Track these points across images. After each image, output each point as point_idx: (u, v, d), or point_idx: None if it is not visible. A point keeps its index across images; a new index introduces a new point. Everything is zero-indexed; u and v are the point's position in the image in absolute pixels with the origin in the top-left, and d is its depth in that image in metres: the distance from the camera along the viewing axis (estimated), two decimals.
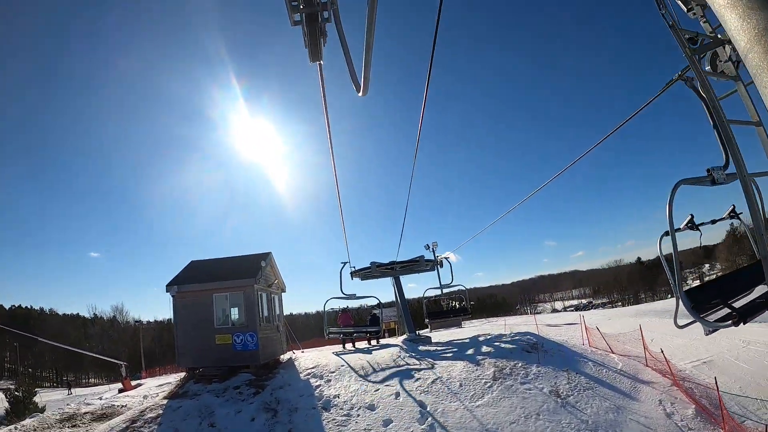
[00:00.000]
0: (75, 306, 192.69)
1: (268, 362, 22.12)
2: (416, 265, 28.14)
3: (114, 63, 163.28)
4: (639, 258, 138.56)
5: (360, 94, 4.97)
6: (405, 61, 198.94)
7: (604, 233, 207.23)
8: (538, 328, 30.46)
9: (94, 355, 42.58)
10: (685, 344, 21.16)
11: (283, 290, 26.24)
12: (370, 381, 17.89)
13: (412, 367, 18.86)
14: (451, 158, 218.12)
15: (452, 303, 38.57)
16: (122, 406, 19.30)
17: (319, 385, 18.07)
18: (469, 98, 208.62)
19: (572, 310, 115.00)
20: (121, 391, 23.24)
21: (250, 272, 21.83)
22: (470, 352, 20.06)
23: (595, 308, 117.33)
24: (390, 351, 21.50)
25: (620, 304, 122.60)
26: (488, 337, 23.55)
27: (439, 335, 29.23)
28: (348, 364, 19.87)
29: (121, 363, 31.71)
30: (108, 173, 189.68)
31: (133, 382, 24.90)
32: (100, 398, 21.45)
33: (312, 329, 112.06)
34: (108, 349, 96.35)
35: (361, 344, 26.89)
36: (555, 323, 38.27)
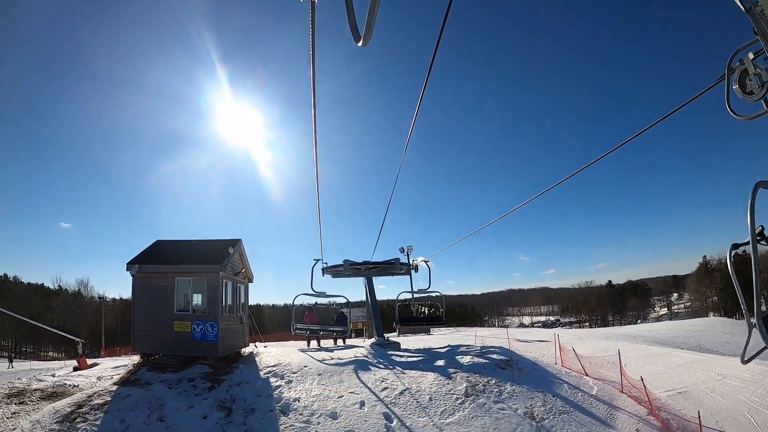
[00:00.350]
0: (41, 275, 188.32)
1: (228, 355, 20.89)
2: (390, 268, 27.18)
3: (87, 39, 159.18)
4: (610, 281, 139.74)
5: (360, 43, 3.95)
6: (400, 60, 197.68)
7: (577, 253, 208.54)
8: (510, 343, 29.61)
9: (50, 329, 40.28)
10: (659, 372, 20.41)
11: (251, 280, 24.91)
12: (333, 386, 16.65)
13: (379, 374, 17.69)
14: (437, 164, 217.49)
15: (423, 309, 37.64)
16: (74, 386, 17.81)
17: (279, 386, 16.79)
18: (458, 107, 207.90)
19: (539, 326, 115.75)
20: (75, 369, 21.65)
21: (217, 258, 20.51)
22: (441, 363, 19.01)
23: (562, 326, 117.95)
24: (357, 354, 20.44)
25: (588, 324, 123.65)
26: (459, 348, 22.55)
27: (408, 341, 28.31)
28: (311, 364, 18.68)
29: (78, 340, 29.65)
30: (88, 145, 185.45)
31: (90, 361, 23.28)
32: (53, 375, 19.87)
33: (279, 323, 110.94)
34: (70, 323, 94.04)
35: (327, 343, 25.78)
36: (525, 339, 37.34)
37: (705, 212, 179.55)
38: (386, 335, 26.18)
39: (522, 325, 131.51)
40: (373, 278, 27.48)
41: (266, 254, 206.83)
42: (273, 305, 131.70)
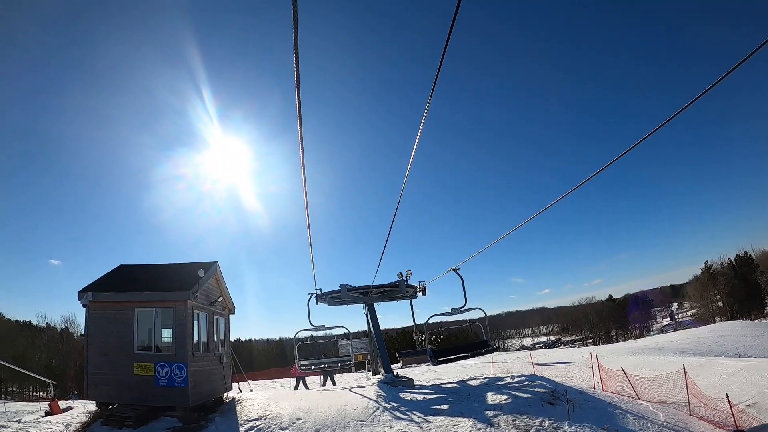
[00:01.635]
0: (27, 313, 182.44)
1: (205, 403, 16.73)
2: (394, 291, 23.09)
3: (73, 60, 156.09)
4: (610, 295, 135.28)
5: None
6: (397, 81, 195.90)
7: (571, 271, 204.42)
8: (534, 369, 25.59)
9: (19, 369, 36.54)
10: (712, 384, 17.05)
11: (231, 312, 20.67)
12: None
13: (396, 427, 13.41)
14: (433, 189, 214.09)
15: (423, 338, 33.47)
16: None
17: None
18: (453, 130, 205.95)
19: (541, 347, 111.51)
20: (47, 413, 18.41)
21: (185, 284, 16.36)
22: (469, 404, 14.92)
23: (564, 345, 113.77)
24: (363, 400, 15.92)
25: (591, 342, 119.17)
26: (486, 380, 18.42)
27: (415, 374, 24.10)
28: (307, 416, 14.40)
29: (50, 382, 27.63)
30: (78, 181, 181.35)
31: (65, 404, 19.53)
32: (19, 421, 16.45)
33: (271, 357, 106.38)
34: (56, 361, 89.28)
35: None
36: (545, 362, 33.18)
37: (697, 220, 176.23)
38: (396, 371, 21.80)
39: (523, 347, 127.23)
40: (375, 305, 23.37)
41: (256, 287, 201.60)
42: (267, 339, 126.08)
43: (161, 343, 16.05)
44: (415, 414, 14.14)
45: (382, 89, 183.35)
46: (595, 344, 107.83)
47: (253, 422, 14.09)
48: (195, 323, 16.46)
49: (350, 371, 44.81)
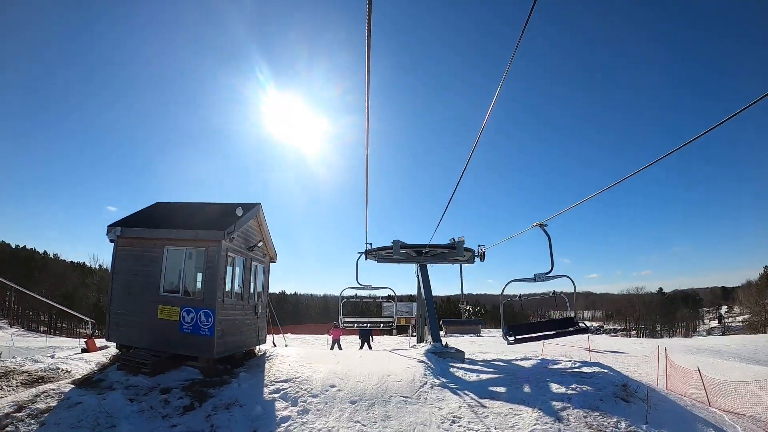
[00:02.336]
0: (82, 255, 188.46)
1: (234, 355, 15.08)
2: (450, 254, 20.77)
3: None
4: (661, 288, 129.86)
5: None
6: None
7: (621, 259, 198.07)
8: (591, 356, 23.17)
9: (60, 306, 36.00)
10: None
11: (273, 260, 18.79)
12: (374, 428, 10.31)
13: (445, 407, 11.22)
14: (492, 153, 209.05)
15: (468, 307, 31.11)
16: (66, 371, 13.30)
17: (288, 419, 10.53)
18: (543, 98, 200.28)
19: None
20: (83, 350, 18.08)
21: (220, 223, 14.52)
22: (530, 389, 12.50)
23: (606, 333, 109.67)
24: (408, 370, 13.64)
25: (635, 333, 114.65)
26: (543, 362, 16.14)
27: (460, 346, 21.95)
28: (342, 383, 12.33)
29: (88, 320, 26.99)
30: (141, 144, 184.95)
31: (101, 343, 18.47)
32: (53, 356, 15.47)
33: (315, 312, 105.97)
34: (103, 300, 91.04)
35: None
36: (597, 348, 30.57)
37: (760, 222, 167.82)
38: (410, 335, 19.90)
39: None
40: (428, 268, 21.17)
41: (309, 243, 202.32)
42: (312, 294, 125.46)
43: (190, 286, 14.31)
44: (467, 395, 11.92)
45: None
46: (639, 336, 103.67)
47: (281, 384, 12.12)
48: (229, 268, 14.68)
49: (392, 334, 43.09)
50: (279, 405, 10.97)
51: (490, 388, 12.52)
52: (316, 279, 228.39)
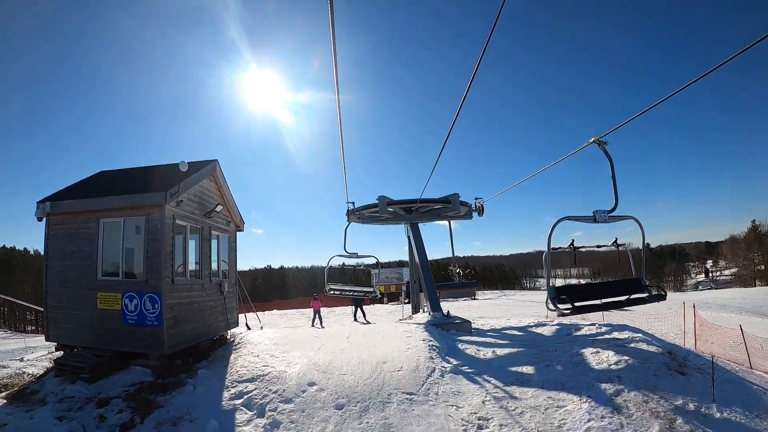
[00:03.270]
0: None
1: (197, 345, 12.26)
2: (444, 208, 18.02)
3: None
4: (648, 244, 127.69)
5: None
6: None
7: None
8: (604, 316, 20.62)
9: (28, 305, 32.91)
10: None
11: (239, 228, 15.78)
12: None
13: (466, 404, 8.39)
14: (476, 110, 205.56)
15: (458, 270, 28.61)
16: (31, 374, 11.17)
17: None
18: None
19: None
20: (58, 349, 14.46)
21: (162, 183, 11.52)
22: (564, 367, 9.83)
23: None
24: (409, 353, 10.71)
25: None
26: (560, 327, 13.76)
27: (458, 312, 19.42)
28: (324, 380, 9.42)
29: None
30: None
31: None
32: (21, 359, 13.17)
33: (302, 286, 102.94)
34: None
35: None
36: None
37: (744, 177, 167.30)
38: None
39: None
40: (419, 226, 18.43)
41: (292, 216, 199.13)
42: (298, 267, 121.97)
43: (133, 266, 11.31)
44: (489, 381, 9.13)
45: None
46: None
47: (246, 384, 9.20)
48: (179, 239, 11.73)
49: (383, 302, 40.40)
50: (240, 416, 8.07)
51: (515, 369, 9.78)
52: (302, 251, 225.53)
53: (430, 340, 11.53)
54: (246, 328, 16.13)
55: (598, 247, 11.02)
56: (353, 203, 18.18)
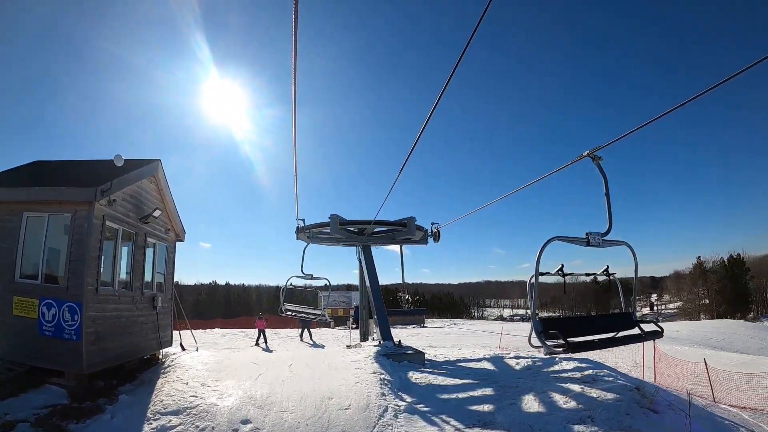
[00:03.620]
0: None
1: (122, 365, 10.84)
2: (399, 232, 17.28)
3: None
4: (595, 277, 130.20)
5: None
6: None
7: (550, 249, 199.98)
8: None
9: None
10: None
11: (180, 238, 14.48)
12: None
13: None
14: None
15: (407, 297, 27.86)
16: None
17: None
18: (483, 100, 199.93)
19: (519, 320, 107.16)
20: None
21: (94, 179, 10.25)
22: (531, 405, 9.00)
23: None
24: (357, 387, 9.59)
25: None
26: (515, 361, 13.10)
27: (406, 339, 18.58)
28: (260, 415, 8.23)
29: None
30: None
31: None
32: None
33: (245, 304, 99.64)
34: None
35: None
36: None
37: (689, 217, 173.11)
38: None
39: (502, 318, 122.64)
40: (371, 249, 17.52)
41: (242, 232, 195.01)
42: (245, 285, 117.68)
43: (56, 269, 9.91)
44: (447, 422, 8.11)
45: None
46: None
47: (169, 418, 7.85)
48: (109, 243, 10.44)
49: (330, 326, 38.85)
50: None
51: (476, 408, 8.84)
52: (251, 269, 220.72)
53: (382, 373, 10.45)
54: (180, 348, 14.70)
55: (587, 275, 10.08)
56: (303, 220, 17.10)
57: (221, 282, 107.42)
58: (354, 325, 31.50)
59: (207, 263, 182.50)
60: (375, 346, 14.53)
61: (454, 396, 9.55)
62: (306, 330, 26.35)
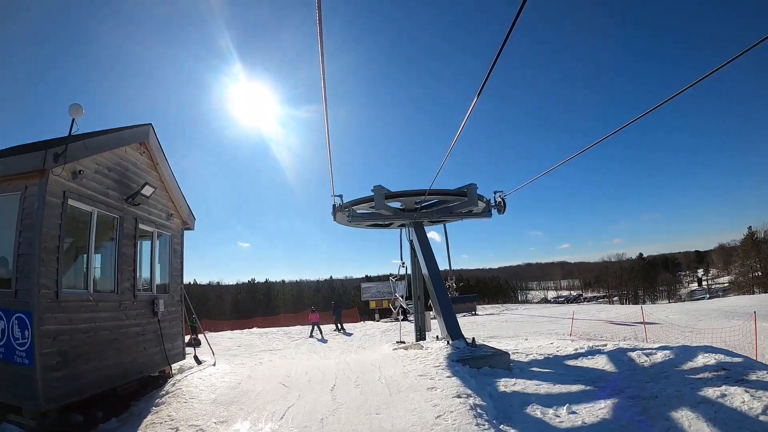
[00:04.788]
0: None
1: (114, 389, 8.22)
2: (458, 204, 14.29)
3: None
4: (641, 254, 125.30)
5: None
6: None
7: (591, 229, 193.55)
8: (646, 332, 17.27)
9: None
10: None
11: (188, 225, 11.58)
12: None
13: None
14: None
15: (451, 283, 24.89)
16: None
17: None
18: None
19: (563, 302, 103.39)
20: None
21: (47, 143, 7.50)
22: (699, 429, 5.65)
23: (587, 302, 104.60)
24: (440, 410, 6.40)
25: (617, 300, 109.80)
26: (618, 351, 10.39)
27: (463, 329, 15.60)
28: None
29: None
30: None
31: None
32: None
33: (287, 300, 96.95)
34: None
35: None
36: (611, 318, 25.38)
37: (733, 187, 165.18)
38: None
39: (545, 300, 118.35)
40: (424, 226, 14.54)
41: (279, 229, 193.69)
42: (284, 281, 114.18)
43: (3, 267, 7.03)
44: None
45: None
46: (622, 303, 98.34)
47: None
48: (80, 231, 7.50)
49: (374, 319, 35.83)
50: None
51: None
52: (290, 265, 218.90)
53: (468, 394, 7.11)
54: (195, 360, 11.74)
55: None
56: (341, 197, 13.99)
57: (260, 279, 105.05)
58: (400, 316, 28.56)
59: (246, 263, 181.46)
60: (442, 346, 11.38)
61: (579, 422, 6.29)
62: (338, 322, 26.05)
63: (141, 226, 9.36)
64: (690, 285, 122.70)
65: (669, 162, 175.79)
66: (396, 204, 14.10)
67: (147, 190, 9.04)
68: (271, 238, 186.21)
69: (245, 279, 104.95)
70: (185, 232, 11.42)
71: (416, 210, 14.02)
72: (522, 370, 9.52)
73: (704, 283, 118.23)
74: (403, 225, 15.78)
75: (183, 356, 10.83)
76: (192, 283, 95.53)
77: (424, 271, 13.40)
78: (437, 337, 13.81)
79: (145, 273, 9.61)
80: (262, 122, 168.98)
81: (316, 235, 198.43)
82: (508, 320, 30.26)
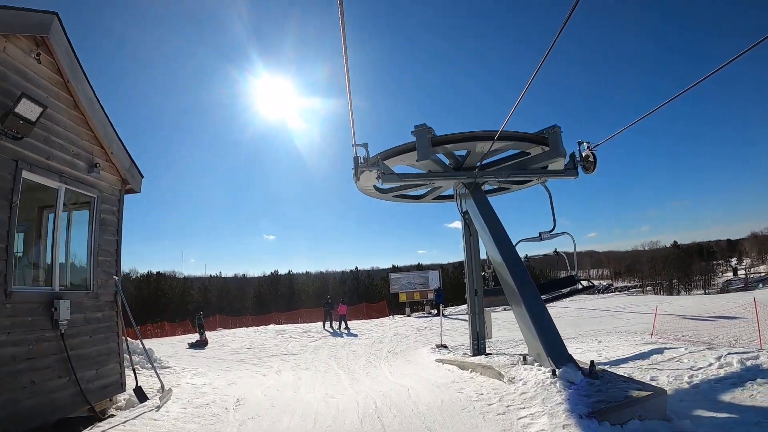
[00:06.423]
0: None
1: None
2: (533, 158, 10.45)
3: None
4: (676, 242, 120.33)
5: None
6: None
7: (618, 217, 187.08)
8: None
9: None
10: None
11: (126, 181, 7.47)
12: None
13: None
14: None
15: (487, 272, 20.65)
16: None
17: None
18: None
19: (594, 292, 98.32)
20: None
21: None
22: None
23: (619, 291, 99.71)
24: None
25: (651, 290, 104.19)
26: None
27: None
28: None
29: None
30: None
31: None
32: None
33: (310, 292, 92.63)
34: None
35: None
36: (688, 313, 20.29)
37: (753, 173, 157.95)
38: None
39: (583, 288, 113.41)
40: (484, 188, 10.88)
41: (303, 221, 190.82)
42: (307, 273, 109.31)
43: None
44: None
45: None
46: (656, 293, 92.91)
47: None
48: None
49: (406, 314, 31.54)
50: None
51: None
52: (314, 257, 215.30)
53: None
54: (135, 395, 7.38)
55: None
56: (366, 147, 9.54)
57: (283, 271, 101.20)
58: (433, 311, 24.85)
59: (272, 255, 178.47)
60: (540, 378, 6.77)
61: None
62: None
63: (30, 175, 5.34)
64: (724, 274, 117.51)
65: (696, 149, 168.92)
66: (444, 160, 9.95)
67: (27, 109, 5.01)
68: (295, 230, 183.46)
69: (269, 271, 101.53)
70: (127, 196, 7.33)
71: (475, 168, 9.75)
72: (681, 416, 5.33)
73: (740, 272, 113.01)
74: (450, 196, 11.59)
75: (121, 388, 6.80)
76: (218, 275, 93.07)
77: (493, 254, 9.18)
78: (524, 357, 8.72)
79: (39, 257, 5.62)
80: (283, 115, 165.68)
81: (340, 225, 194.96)
82: (560, 315, 25.59)
